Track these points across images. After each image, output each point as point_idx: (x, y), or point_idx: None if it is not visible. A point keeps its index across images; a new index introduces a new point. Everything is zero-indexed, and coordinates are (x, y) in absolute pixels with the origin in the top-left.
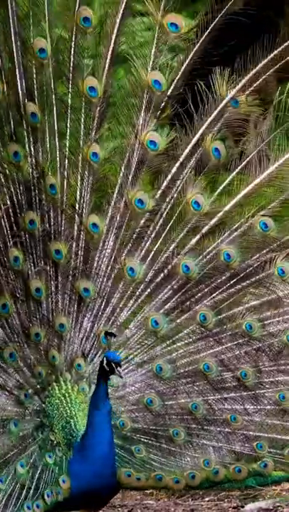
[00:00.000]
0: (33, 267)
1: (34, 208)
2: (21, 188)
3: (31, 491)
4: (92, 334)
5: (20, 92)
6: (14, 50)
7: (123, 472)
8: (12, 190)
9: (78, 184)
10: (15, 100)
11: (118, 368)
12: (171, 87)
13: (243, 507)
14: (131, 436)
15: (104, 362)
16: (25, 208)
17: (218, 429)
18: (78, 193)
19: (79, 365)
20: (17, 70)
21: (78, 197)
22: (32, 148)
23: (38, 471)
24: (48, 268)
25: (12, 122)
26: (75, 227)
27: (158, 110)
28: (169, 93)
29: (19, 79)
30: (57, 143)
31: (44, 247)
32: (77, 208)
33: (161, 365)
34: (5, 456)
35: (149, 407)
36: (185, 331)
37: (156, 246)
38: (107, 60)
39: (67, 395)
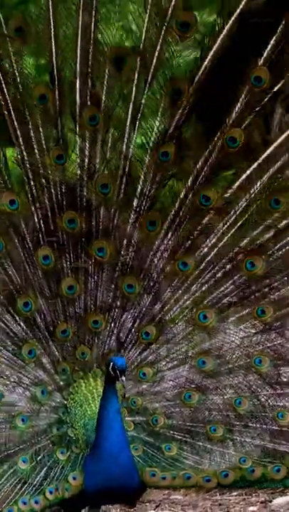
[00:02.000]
0: (68, 265)
1: (77, 208)
2: (62, 188)
3: (31, 487)
4: (133, 330)
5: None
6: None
7: (148, 472)
8: (52, 191)
9: (140, 182)
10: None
11: (122, 377)
12: None
13: (271, 501)
14: (164, 433)
15: (110, 367)
16: (65, 208)
17: (265, 426)
18: (139, 190)
19: (108, 363)
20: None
21: (138, 194)
22: (84, 152)
23: (45, 468)
24: (88, 266)
25: (60, 127)
26: (129, 225)
27: None
28: None
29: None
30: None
31: (85, 245)
32: (135, 205)
33: (205, 360)
34: (7, 451)
35: (186, 403)
36: (242, 326)
37: (222, 243)
38: None
39: (95, 391)
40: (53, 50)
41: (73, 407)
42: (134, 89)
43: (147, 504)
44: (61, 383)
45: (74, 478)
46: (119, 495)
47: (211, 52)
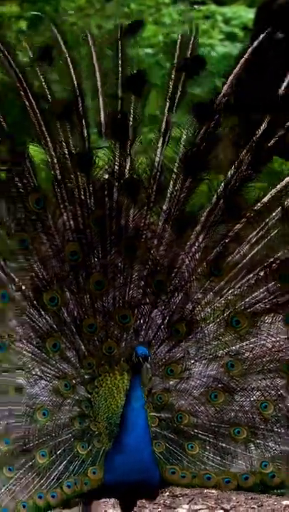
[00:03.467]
0: (96, 261)
1: (105, 208)
2: (90, 189)
3: (49, 481)
4: (162, 327)
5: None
6: None
7: (168, 469)
8: (81, 192)
9: (170, 186)
10: None
11: (146, 364)
12: None
13: None
14: (187, 432)
15: (134, 356)
16: (94, 207)
17: None
18: (169, 193)
19: (132, 354)
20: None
21: (169, 196)
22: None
23: (64, 462)
24: (118, 262)
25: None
26: (160, 225)
27: None
28: None
29: None
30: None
31: (116, 242)
32: (165, 207)
33: (233, 362)
34: (25, 445)
35: (212, 402)
36: (273, 331)
37: (254, 251)
38: None
39: (120, 385)
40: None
41: (97, 400)
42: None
43: (181, 498)
44: (86, 377)
45: (94, 473)
46: (139, 490)
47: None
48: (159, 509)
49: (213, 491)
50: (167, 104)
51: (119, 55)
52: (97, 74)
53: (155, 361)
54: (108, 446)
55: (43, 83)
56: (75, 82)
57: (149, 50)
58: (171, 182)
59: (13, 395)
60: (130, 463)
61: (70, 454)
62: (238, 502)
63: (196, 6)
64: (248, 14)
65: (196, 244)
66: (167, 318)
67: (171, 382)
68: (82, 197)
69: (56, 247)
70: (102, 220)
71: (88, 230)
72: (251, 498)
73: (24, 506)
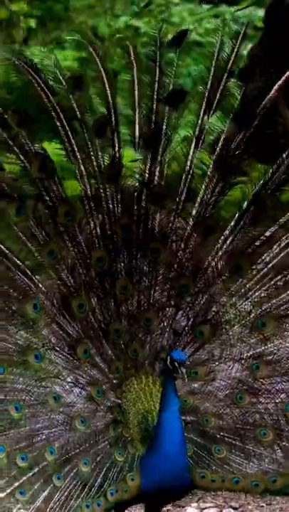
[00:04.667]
0: (122, 266)
1: (133, 214)
2: (118, 197)
3: (93, 489)
4: (187, 329)
5: None
6: None
7: (198, 473)
8: (108, 201)
9: (201, 192)
10: None
11: (181, 368)
12: None
13: None
14: (214, 435)
15: (168, 361)
16: (121, 215)
17: None
18: (200, 198)
19: (162, 359)
20: None
21: (200, 201)
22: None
23: (104, 469)
24: (143, 266)
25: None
26: (188, 229)
27: None
28: None
29: None
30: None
31: (140, 247)
32: (194, 211)
33: (258, 364)
34: (67, 454)
35: (238, 404)
36: None
37: (284, 253)
38: None
39: (147, 388)
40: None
41: (127, 405)
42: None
43: (190, 496)
44: (115, 382)
45: (132, 479)
46: (173, 495)
47: None
48: (169, 507)
49: None
50: (202, 109)
51: (158, 67)
52: (136, 87)
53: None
54: (142, 452)
55: (75, 107)
56: (110, 98)
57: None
58: (203, 187)
59: (52, 404)
60: (167, 468)
61: (109, 461)
62: (246, 500)
63: (205, 6)
64: (257, 13)
65: (224, 248)
66: (191, 320)
67: (195, 385)
68: (110, 206)
69: (83, 254)
70: (128, 227)
71: (115, 236)
72: (262, 497)
73: None
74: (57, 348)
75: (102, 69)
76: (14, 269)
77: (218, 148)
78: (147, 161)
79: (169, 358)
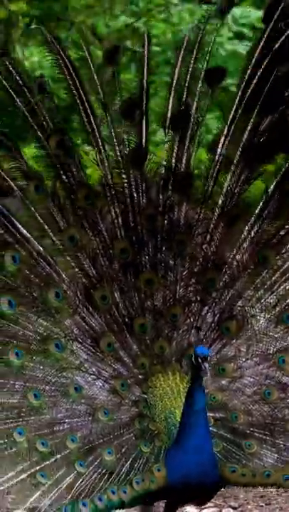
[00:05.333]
0: (146, 259)
1: (157, 205)
2: (143, 187)
3: (118, 477)
4: (213, 325)
5: None
6: None
7: (228, 467)
8: (133, 191)
9: (228, 180)
10: None
11: (204, 364)
12: None
13: None
14: (243, 430)
15: (193, 357)
16: (144, 206)
17: None
18: (225, 189)
19: (191, 355)
20: None
21: (226, 190)
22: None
23: (130, 459)
24: (168, 259)
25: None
26: (213, 220)
27: None
28: None
29: None
30: None
31: (165, 239)
32: (220, 202)
33: (285, 358)
34: (90, 444)
35: (267, 400)
36: None
37: None
38: None
39: (174, 385)
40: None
41: (153, 401)
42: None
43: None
44: (140, 377)
45: (158, 470)
46: (200, 490)
47: None
48: None
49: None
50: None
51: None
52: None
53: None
54: (168, 445)
55: (99, 88)
56: (144, 78)
57: (157, 48)
58: (229, 175)
59: (74, 395)
60: (192, 462)
61: (134, 452)
62: (245, 500)
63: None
64: (257, 14)
65: (249, 239)
66: (217, 316)
67: (223, 382)
68: (134, 194)
69: (105, 244)
70: (153, 217)
71: (139, 227)
72: (261, 497)
73: (100, 499)
74: (79, 339)
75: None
76: (36, 254)
77: (245, 136)
78: (174, 145)
79: (194, 354)
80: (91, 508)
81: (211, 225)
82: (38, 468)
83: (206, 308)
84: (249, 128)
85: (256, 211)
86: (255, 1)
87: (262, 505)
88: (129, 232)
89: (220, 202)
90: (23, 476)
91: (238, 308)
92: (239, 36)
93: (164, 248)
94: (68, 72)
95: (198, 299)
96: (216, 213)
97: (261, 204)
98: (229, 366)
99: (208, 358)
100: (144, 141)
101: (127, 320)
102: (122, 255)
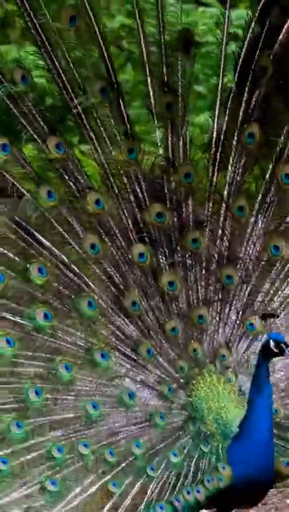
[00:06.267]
0: (164, 261)
1: (163, 201)
2: (143, 182)
3: (189, 478)
4: (237, 322)
5: None
6: None
7: (282, 462)
8: (134, 186)
9: (230, 167)
10: None
11: (288, 349)
12: None
13: None
14: (284, 424)
15: (272, 344)
16: (150, 202)
17: None
18: (228, 176)
19: (223, 355)
20: None
21: (228, 180)
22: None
23: (195, 459)
24: (185, 259)
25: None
26: (222, 213)
27: None
28: None
29: None
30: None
31: (178, 238)
32: (226, 193)
33: None
34: (154, 448)
35: None
36: None
37: None
38: None
39: (213, 387)
40: None
41: (198, 403)
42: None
43: None
44: (182, 381)
45: (224, 468)
46: (262, 488)
47: None
48: None
49: None
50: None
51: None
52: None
53: (238, 358)
54: (226, 444)
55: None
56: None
57: (152, 48)
58: (230, 161)
59: (128, 402)
60: (257, 457)
61: (196, 452)
62: None
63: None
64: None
65: (258, 229)
66: (241, 312)
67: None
68: (138, 190)
69: (122, 249)
70: (162, 216)
71: (150, 227)
72: None
73: (178, 500)
74: (119, 348)
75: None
76: (61, 265)
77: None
78: (168, 133)
79: (271, 341)
80: (169, 510)
81: (221, 220)
82: (108, 477)
83: (228, 306)
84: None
85: (258, 199)
86: (251, 4)
87: (258, 506)
88: (142, 233)
89: (225, 193)
90: (93, 488)
91: (258, 303)
92: (234, 37)
93: (178, 248)
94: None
95: (220, 297)
96: (223, 206)
97: (262, 191)
98: None
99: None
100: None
101: (158, 325)
102: (140, 259)
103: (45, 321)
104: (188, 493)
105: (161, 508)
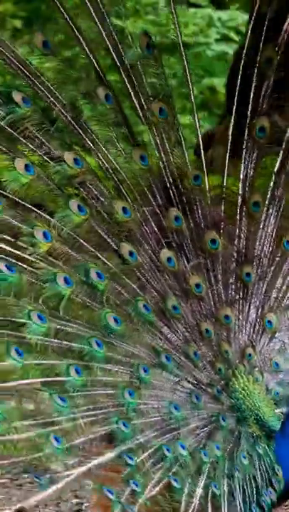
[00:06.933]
0: (187, 264)
1: (175, 204)
2: (159, 186)
3: (260, 481)
4: (257, 320)
5: None
6: None
7: None
8: (154, 190)
9: (242, 166)
10: None
11: None
12: None
13: None
14: None
15: None
16: (166, 207)
17: None
18: (242, 175)
19: (249, 354)
20: None
21: (242, 178)
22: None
23: (257, 462)
24: (205, 260)
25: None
26: (238, 211)
27: None
28: None
29: None
30: None
31: (197, 240)
32: (240, 190)
33: None
34: (227, 451)
35: None
36: None
37: None
38: None
39: (245, 388)
40: None
41: (239, 404)
42: None
43: None
44: (222, 382)
45: (278, 470)
46: None
47: None
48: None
49: None
50: None
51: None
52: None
53: (262, 357)
54: (272, 445)
55: None
56: None
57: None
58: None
59: (199, 404)
60: None
61: (257, 453)
62: None
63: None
64: (244, 17)
65: (270, 223)
66: (260, 310)
67: (280, 376)
68: (158, 196)
69: (152, 255)
70: (178, 219)
71: (172, 232)
72: None
73: (264, 502)
74: (174, 352)
75: None
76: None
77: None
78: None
79: None
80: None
81: (237, 217)
82: (208, 481)
83: (248, 304)
84: None
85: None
86: (243, 5)
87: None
88: (167, 239)
89: (240, 190)
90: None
91: (273, 299)
92: (225, 38)
93: (198, 250)
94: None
95: (241, 296)
96: (237, 205)
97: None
98: (280, 359)
99: None
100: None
101: (196, 328)
102: (169, 264)
103: (116, 325)
104: (265, 494)
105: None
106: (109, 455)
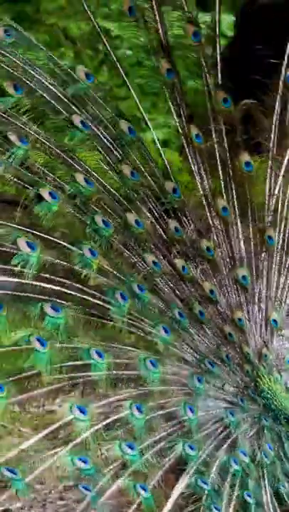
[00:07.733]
0: (196, 270)
1: (171, 216)
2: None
3: None
4: (264, 320)
5: None
6: None
7: None
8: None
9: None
10: None
11: None
12: None
13: None
14: None
15: None
16: (164, 218)
17: None
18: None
19: (265, 355)
20: None
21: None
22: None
23: None
24: (206, 267)
25: None
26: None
27: None
28: None
29: None
30: None
31: (196, 248)
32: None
33: None
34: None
35: None
36: None
37: None
38: None
39: (270, 388)
40: None
41: (268, 405)
42: None
43: None
44: (251, 384)
45: None
46: None
47: None
48: None
49: None
50: None
51: None
52: None
53: (276, 357)
54: None
55: None
56: None
57: (129, 52)
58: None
59: (245, 407)
60: None
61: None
62: None
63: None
64: (230, 19)
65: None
66: (263, 310)
67: None
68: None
69: (167, 265)
70: (178, 229)
71: (175, 242)
72: None
73: None
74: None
75: None
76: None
77: None
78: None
79: None
80: None
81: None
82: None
83: (252, 306)
84: None
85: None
86: (227, 7)
87: None
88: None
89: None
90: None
91: (273, 298)
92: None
93: (199, 258)
94: None
95: (245, 298)
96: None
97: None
98: None
99: None
100: None
101: (220, 331)
102: (184, 272)
103: (166, 335)
104: None
105: None
106: (184, 481)
